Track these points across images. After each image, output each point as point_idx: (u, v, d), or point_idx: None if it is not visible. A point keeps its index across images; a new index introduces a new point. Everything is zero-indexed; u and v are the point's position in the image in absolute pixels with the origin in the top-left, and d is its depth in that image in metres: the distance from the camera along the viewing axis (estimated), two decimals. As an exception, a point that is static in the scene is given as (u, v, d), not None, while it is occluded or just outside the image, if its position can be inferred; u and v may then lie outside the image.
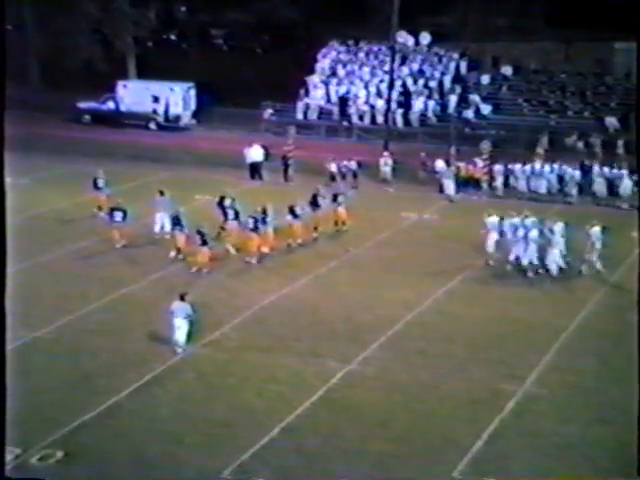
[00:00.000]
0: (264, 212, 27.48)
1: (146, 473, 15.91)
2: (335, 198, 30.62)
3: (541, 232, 26.72)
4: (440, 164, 36.98)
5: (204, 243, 25.88)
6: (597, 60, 48.72)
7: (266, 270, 26.77)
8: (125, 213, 28.12)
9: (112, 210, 28.37)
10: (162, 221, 28.77)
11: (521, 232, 26.68)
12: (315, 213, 29.62)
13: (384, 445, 16.91)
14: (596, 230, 26.71)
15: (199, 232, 25.95)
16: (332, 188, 32.76)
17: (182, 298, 20.87)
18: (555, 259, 26.46)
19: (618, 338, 22.17)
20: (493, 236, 27.18)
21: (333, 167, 36.71)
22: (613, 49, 48.51)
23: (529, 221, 27.24)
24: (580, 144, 41.08)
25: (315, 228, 29.67)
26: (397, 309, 23.66)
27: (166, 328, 20.89)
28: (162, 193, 29.43)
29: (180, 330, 20.63)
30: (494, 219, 27.48)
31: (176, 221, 27.35)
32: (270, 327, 22.48)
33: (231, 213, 28.25)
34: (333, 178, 36.32)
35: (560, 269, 26.48)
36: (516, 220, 27.28)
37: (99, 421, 17.56)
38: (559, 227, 26.93)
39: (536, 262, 26.60)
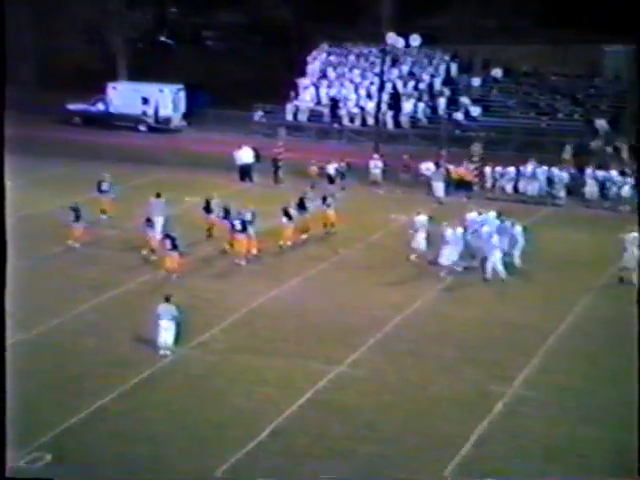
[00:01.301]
0: (239, 213, 27.43)
1: (134, 476, 15.88)
2: (324, 200, 30.65)
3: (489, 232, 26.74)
4: (429, 166, 37.07)
5: (174, 248, 25.66)
6: (587, 63, 48.88)
7: (255, 272, 26.75)
8: (78, 213, 28.17)
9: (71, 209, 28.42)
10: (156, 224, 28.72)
11: (449, 232, 26.57)
12: (303, 216, 29.63)
13: (373, 446, 16.92)
14: (633, 236, 25.88)
15: (168, 236, 25.77)
16: (320, 190, 32.75)
17: (167, 300, 20.81)
18: (495, 262, 26.17)
19: (606, 340, 22.26)
20: (421, 235, 27.55)
21: (330, 169, 36.78)
22: (603, 51, 48.71)
23: (480, 218, 27.53)
24: (609, 149, 40.52)
25: (304, 230, 29.68)
26: (387, 310, 23.68)
27: (154, 330, 20.85)
28: (158, 195, 29.43)
29: (167, 332, 20.58)
30: (422, 217, 27.97)
31: (149, 223, 27.28)
32: (259, 329, 22.46)
33: (220, 212, 28.36)
34: (331, 180, 36.41)
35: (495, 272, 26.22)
36: (473, 215, 27.77)
37: (87, 423, 17.52)
38: (518, 230, 27.11)
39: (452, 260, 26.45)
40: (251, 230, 27.50)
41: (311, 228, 29.88)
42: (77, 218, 28.23)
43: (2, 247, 9.63)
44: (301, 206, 29.60)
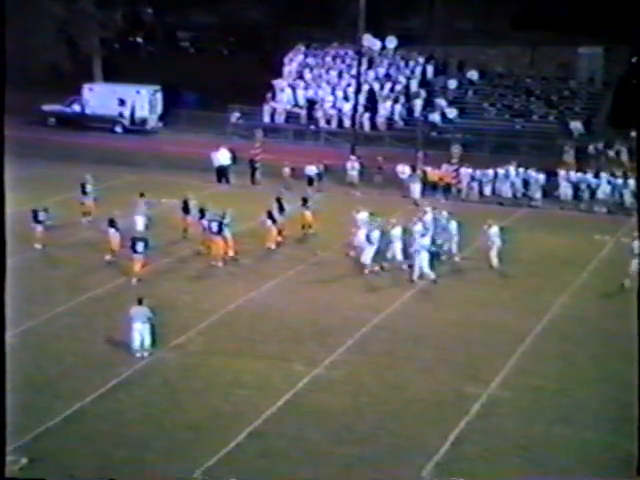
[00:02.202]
0: (223, 216, 27.44)
1: (112, 478, 15.79)
2: (305, 202, 30.69)
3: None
4: (405, 169, 37.21)
5: (144, 249, 25.42)
6: (561, 64, 49.23)
7: (232, 274, 26.73)
8: (37, 214, 28.14)
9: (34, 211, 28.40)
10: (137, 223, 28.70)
11: (375, 234, 26.81)
12: (280, 217, 29.62)
13: (350, 448, 16.94)
14: (637, 244, 25.57)
15: (138, 239, 25.55)
16: (294, 192, 32.76)
17: (140, 302, 20.69)
18: (420, 263, 26.21)
19: (582, 340, 22.44)
20: (362, 231, 27.58)
21: (310, 171, 36.86)
22: (577, 54, 49.07)
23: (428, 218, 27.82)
24: (612, 152, 40.21)
25: (280, 232, 29.67)
26: (364, 312, 23.73)
27: (128, 334, 20.75)
28: (142, 195, 29.61)
29: (141, 334, 20.47)
30: (363, 215, 28.16)
31: (112, 223, 27.16)
32: (237, 331, 22.44)
33: (197, 213, 28.35)
34: (310, 182, 36.47)
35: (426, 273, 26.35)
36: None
37: (64, 426, 17.42)
38: (494, 230, 27.27)
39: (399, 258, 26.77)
40: (227, 232, 27.47)
41: (286, 229, 29.89)
42: (36, 220, 28.05)
43: (2, 247, 9.60)
44: (279, 208, 29.62)
